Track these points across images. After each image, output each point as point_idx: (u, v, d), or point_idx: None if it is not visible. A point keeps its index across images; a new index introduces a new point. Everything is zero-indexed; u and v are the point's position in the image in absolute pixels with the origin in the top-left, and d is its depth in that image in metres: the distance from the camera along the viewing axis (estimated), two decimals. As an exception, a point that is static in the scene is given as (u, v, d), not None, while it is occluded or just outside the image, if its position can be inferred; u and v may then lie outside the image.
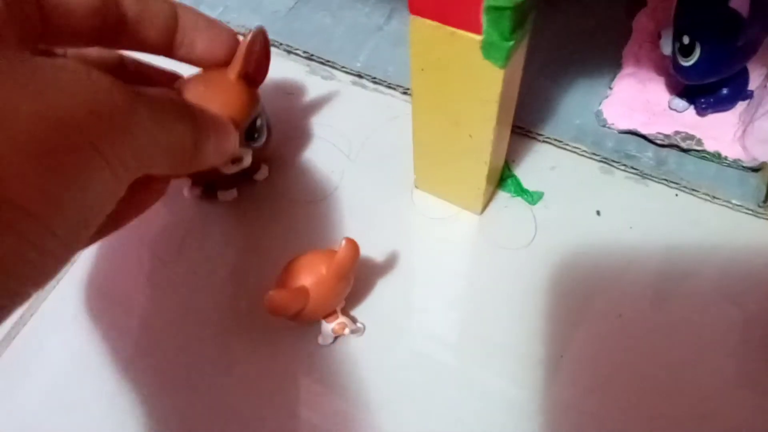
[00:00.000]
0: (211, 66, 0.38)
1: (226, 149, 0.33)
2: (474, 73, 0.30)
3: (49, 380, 0.38)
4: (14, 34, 0.24)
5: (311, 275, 0.34)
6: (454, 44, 0.29)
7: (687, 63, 0.39)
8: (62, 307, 0.41)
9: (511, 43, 0.28)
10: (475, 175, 0.39)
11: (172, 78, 0.39)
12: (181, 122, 0.28)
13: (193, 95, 0.37)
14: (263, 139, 0.41)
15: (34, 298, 0.41)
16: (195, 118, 0.29)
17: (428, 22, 0.29)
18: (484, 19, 0.27)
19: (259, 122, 0.40)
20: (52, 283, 0.42)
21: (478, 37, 0.28)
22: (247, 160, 0.39)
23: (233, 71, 0.38)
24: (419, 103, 0.36)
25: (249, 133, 0.39)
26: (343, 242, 0.33)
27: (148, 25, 0.32)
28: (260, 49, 0.39)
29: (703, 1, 0.37)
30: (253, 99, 0.39)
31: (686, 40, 0.39)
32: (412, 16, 0.30)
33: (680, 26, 0.39)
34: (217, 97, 0.37)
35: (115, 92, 0.23)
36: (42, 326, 0.40)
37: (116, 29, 0.30)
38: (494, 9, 0.27)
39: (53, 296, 0.41)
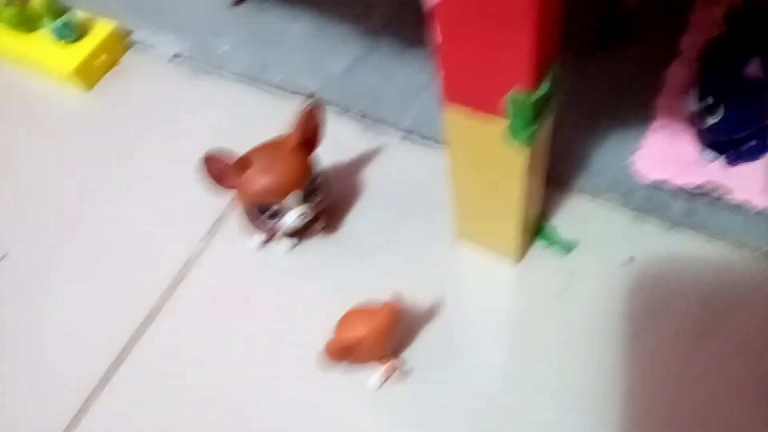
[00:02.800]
0: None
1: None
2: (502, 152, 0.34)
3: None
4: None
5: (364, 327, 0.39)
6: (483, 128, 0.34)
7: (712, 121, 0.42)
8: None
9: (534, 128, 0.32)
10: (510, 229, 0.43)
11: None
12: None
13: (260, 164, 0.42)
14: (322, 195, 0.46)
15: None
16: None
17: (460, 108, 0.34)
18: (508, 109, 0.31)
19: (318, 181, 0.45)
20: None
21: (505, 123, 0.33)
22: (309, 215, 0.45)
23: (293, 141, 0.43)
24: (456, 174, 0.40)
25: (308, 193, 0.45)
26: (389, 302, 0.38)
27: None
28: (315, 120, 0.44)
29: (724, 67, 0.40)
30: (311, 162, 0.45)
31: (710, 100, 0.41)
32: (446, 104, 0.34)
33: (704, 87, 0.42)
34: (282, 164, 0.43)
35: None
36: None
37: None
38: (517, 101, 0.31)
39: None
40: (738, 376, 0.40)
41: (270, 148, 0.44)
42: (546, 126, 0.35)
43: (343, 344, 0.38)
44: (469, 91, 0.32)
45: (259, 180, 0.42)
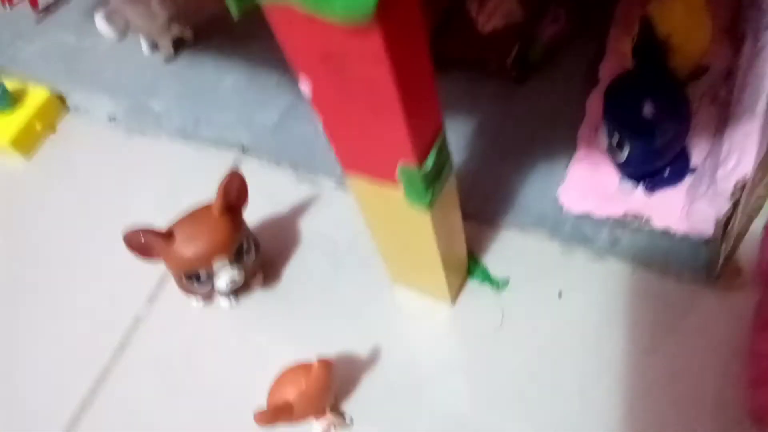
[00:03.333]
0: None
1: None
2: (407, 216, 0.35)
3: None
4: None
5: (293, 389, 0.39)
6: (384, 196, 0.34)
7: (620, 158, 0.43)
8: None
9: (428, 197, 0.33)
10: (436, 275, 0.43)
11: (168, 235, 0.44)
12: None
13: (184, 235, 0.43)
14: (252, 256, 0.47)
15: None
16: None
17: (360, 178, 0.35)
18: (400, 182, 0.32)
19: (245, 245, 0.46)
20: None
21: (402, 191, 0.33)
22: (240, 280, 0.46)
23: (216, 209, 0.44)
24: (373, 232, 0.41)
25: (237, 255, 0.45)
26: (317, 362, 0.39)
27: None
28: (236, 186, 0.45)
29: (623, 106, 0.41)
30: (237, 226, 0.45)
31: (616, 138, 0.42)
32: (346, 173, 0.35)
33: (610, 124, 0.43)
34: (205, 232, 0.44)
35: None
36: None
37: None
38: (406, 176, 0.32)
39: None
40: (678, 399, 0.41)
41: (193, 217, 0.44)
42: (448, 187, 0.36)
43: (270, 412, 0.38)
44: (361, 163, 0.33)
45: (184, 250, 0.43)
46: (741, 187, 0.40)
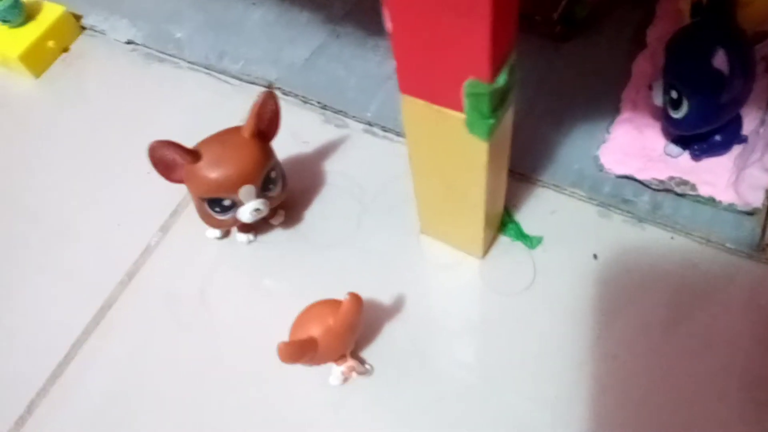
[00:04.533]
0: None
1: None
2: (461, 146, 0.33)
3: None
4: None
5: (319, 326, 0.37)
6: (441, 121, 0.32)
7: (677, 116, 0.41)
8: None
9: (492, 121, 0.31)
10: (473, 225, 0.41)
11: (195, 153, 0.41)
12: None
13: (211, 156, 0.40)
14: (278, 189, 0.44)
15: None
16: None
17: (418, 100, 0.32)
18: (465, 102, 0.30)
19: (273, 174, 0.43)
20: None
21: (462, 116, 0.31)
22: (265, 211, 0.43)
23: (247, 131, 0.41)
24: (416, 168, 0.39)
25: (264, 185, 0.43)
26: (347, 296, 0.36)
27: None
28: (270, 109, 0.42)
29: (688, 59, 0.39)
30: (266, 154, 0.43)
31: (674, 94, 0.40)
32: (403, 95, 0.33)
33: (668, 81, 0.41)
34: (234, 156, 0.41)
35: None
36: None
37: None
38: (473, 94, 0.29)
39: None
40: (707, 370, 0.39)
41: (222, 139, 0.41)
42: (506, 119, 0.34)
43: (295, 345, 0.36)
44: (424, 82, 0.31)
45: (210, 173, 0.40)
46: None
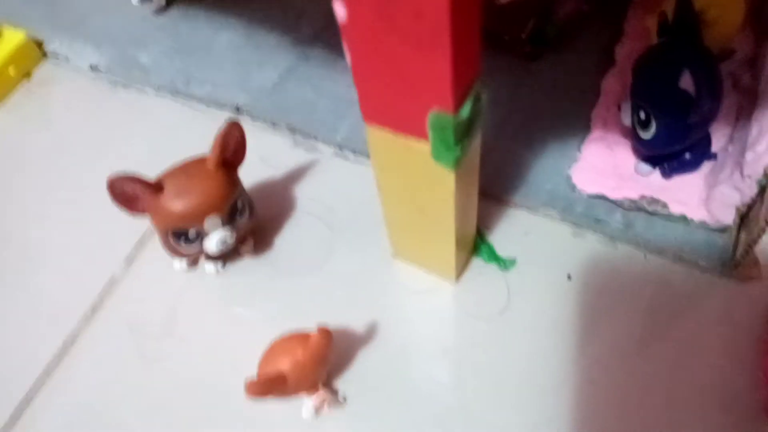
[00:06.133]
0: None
1: None
2: (429, 174, 0.32)
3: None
4: None
5: (288, 360, 0.36)
6: (407, 151, 0.32)
7: (645, 136, 0.41)
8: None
9: (458, 151, 0.30)
10: (445, 249, 0.41)
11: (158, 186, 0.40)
12: None
13: (175, 188, 0.39)
14: (245, 217, 0.43)
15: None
16: None
17: (382, 129, 0.32)
18: (429, 134, 0.29)
19: (240, 203, 0.42)
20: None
21: (428, 146, 0.31)
22: (232, 241, 0.42)
23: (211, 161, 0.40)
24: (384, 194, 0.38)
25: (231, 214, 0.42)
26: (317, 330, 0.36)
27: None
28: (235, 138, 0.41)
29: (655, 81, 0.39)
30: (232, 183, 0.42)
31: (643, 115, 0.40)
32: (367, 124, 0.32)
33: (636, 102, 0.41)
34: (198, 186, 0.40)
35: None
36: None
37: None
38: (437, 124, 0.29)
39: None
40: (684, 390, 0.39)
41: (186, 169, 0.40)
42: (474, 146, 0.33)
43: (263, 382, 0.35)
44: (387, 111, 0.30)
45: (173, 205, 0.39)
46: (770, 170, 0.38)
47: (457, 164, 0.31)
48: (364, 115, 0.32)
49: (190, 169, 0.41)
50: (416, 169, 0.33)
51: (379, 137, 0.32)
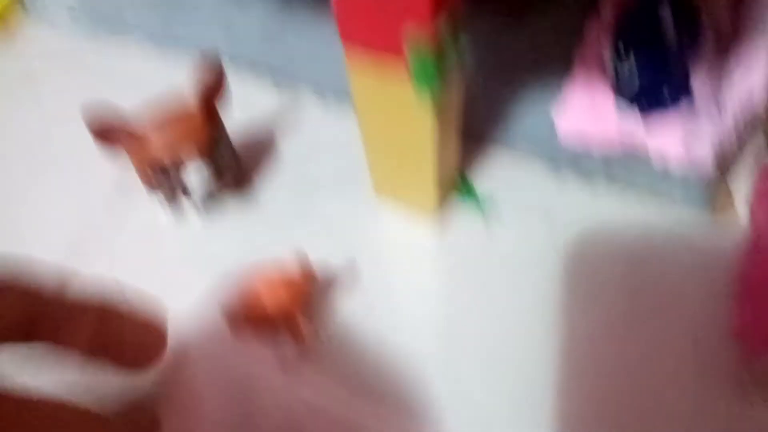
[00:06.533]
0: None
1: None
2: (409, 107, 0.32)
3: None
4: None
5: (270, 295, 0.36)
6: (387, 75, 0.31)
7: (624, 69, 0.41)
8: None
9: (439, 75, 0.30)
10: (426, 187, 0.41)
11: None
12: None
13: (154, 122, 0.39)
14: (227, 157, 0.43)
15: None
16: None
17: (360, 52, 0.31)
18: (409, 61, 0.29)
19: (221, 143, 0.42)
20: None
21: (407, 74, 0.30)
22: (213, 181, 0.42)
23: (192, 99, 0.40)
24: (365, 128, 0.38)
25: (211, 152, 0.42)
26: (299, 269, 0.36)
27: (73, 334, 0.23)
28: (216, 74, 0.41)
29: (636, 13, 0.39)
30: (213, 122, 0.42)
31: (621, 46, 0.40)
32: (345, 46, 0.32)
33: (616, 33, 0.41)
34: (177, 123, 0.40)
35: None
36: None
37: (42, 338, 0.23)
38: (417, 46, 0.29)
39: None
40: (663, 333, 0.39)
41: (166, 107, 0.40)
42: (456, 74, 0.33)
43: (243, 313, 0.35)
44: (365, 28, 0.30)
45: (152, 138, 0.39)
46: (748, 107, 0.38)
47: (437, 95, 0.31)
48: (342, 36, 0.31)
49: (170, 106, 0.40)
50: (397, 102, 0.33)
51: (359, 69, 0.32)
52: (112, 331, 0.23)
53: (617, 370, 0.38)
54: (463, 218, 0.45)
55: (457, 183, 0.45)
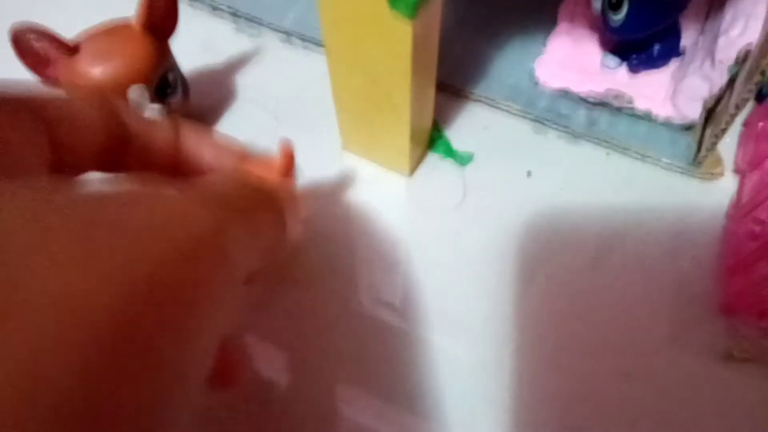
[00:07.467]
0: None
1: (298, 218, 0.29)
2: (384, 27, 0.29)
3: None
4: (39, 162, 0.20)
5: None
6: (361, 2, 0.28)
7: (616, 18, 0.38)
8: None
9: (416, 3, 0.26)
10: (399, 136, 0.38)
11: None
12: (268, 213, 0.25)
13: (94, 50, 0.34)
14: (178, 95, 0.39)
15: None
16: (276, 201, 0.26)
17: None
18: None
19: (171, 77, 0.38)
20: None
21: (384, -6, 0.27)
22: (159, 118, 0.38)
23: (137, 23, 0.35)
24: (335, 60, 0.34)
25: (161, 89, 0.37)
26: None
27: (152, 145, 0.27)
28: (165, 1, 0.36)
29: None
30: (161, 52, 0.37)
31: (614, -5, 0.37)
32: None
33: (609, -20, 0.38)
34: (121, 50, 0.35)
35: (201, 216, 0.19)
36: None
37: (121, 151, 0.26)
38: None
39: None
40: (640, 289, 0.37)
41: (108, 31, 0.35)
42: (434, 5, 0.30)
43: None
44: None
45: (91, 69, 0.34)
46: (744, 57, 0.36)
47: (416, 13, 0.28)
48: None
49: (112, 31, 0.36)
50: (371, 20, 0.29)
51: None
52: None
53: (590, 331, 0.36)
54: (438, 174, 0.42)
55: (432, 138, 0.42)
